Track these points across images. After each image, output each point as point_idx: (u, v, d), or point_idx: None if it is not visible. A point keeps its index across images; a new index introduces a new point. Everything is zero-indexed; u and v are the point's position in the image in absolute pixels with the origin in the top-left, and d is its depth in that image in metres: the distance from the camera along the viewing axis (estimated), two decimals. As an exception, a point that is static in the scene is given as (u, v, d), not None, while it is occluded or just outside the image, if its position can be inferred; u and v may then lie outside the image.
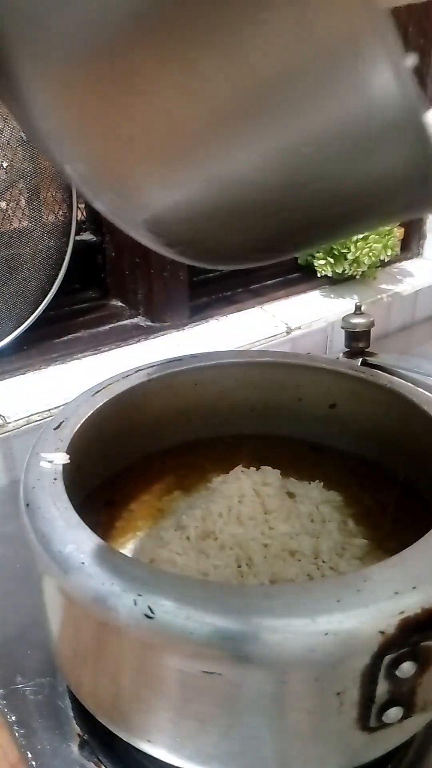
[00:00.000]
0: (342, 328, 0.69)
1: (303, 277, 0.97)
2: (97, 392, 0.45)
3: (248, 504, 0.42)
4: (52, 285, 0.72)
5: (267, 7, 0.15)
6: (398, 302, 0.98)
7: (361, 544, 0.41)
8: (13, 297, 0.69)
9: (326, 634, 0.27)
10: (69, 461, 0.38)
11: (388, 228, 0.90)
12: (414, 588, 0.28)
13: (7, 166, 0.66)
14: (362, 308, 0.68)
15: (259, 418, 0.54)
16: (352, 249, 0.87)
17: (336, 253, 0.89)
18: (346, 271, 0.91)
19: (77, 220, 0.73)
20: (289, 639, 0.27)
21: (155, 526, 0.44)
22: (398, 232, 0.94)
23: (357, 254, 0.88)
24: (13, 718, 0.40)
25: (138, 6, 0.15)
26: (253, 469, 0.46)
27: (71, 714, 0.40)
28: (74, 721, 0.40)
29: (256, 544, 0.39)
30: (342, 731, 0.30)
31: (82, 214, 0.81)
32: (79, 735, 0.39)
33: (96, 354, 0.74)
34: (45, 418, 0.62)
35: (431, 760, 0.38)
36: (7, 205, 0.69)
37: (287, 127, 0.17)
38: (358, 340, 0.68)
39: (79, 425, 0.41)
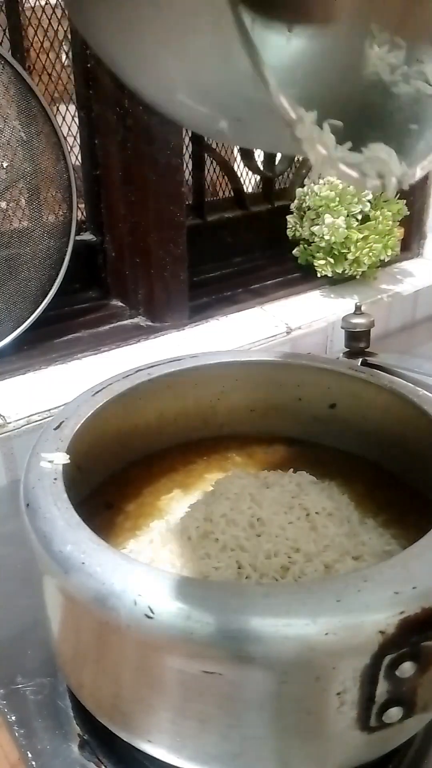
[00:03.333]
0: (342, 328, 0.69)
1: (303, 277, 0.97)
2: (97, 392, 0.45)
3: (248, 504, 0.42)
4: (52, 285, 0.72)
5: None
6: (398, 302, 0.98)
7: (363, 544, 0.41)
8: (13, 297, 0.69)
9: (326, 634, 0.27)
10: (69, 461, 0.38)
11: (388, 228, 0.90)
12: (414, 588, 0.28)
13: (7, 166, 0.66)
14: (362, 308, 0.68)
15: (259, 418, 0.54)
16: (352, 249, 0.87)
17: (336, 253, 0.89)
18: (346, 271, 0.90)
19: (77, 220, 0.73)
20: (289, 639, 0.27)
21: (155, 526, 0.43)
22: (398, 232, 0.94)
23: (357, 254, 0.88)
24: (13, 718, 0.40)
25: None
26: (253, 469, 0.46)
27: (71, 714, 0.40)
28: (74, 721, 0.40)
29: (257, 545, 0.39)
30: (342, 731, 0.30)
31: (82, 214, 0.81)
32: (79, 735, 0.39)
33: (96, 354, 0.74)
34: (45, 418, 0.62)
35: (431, 760, 0.38)
36: (7, 205, 0.69)
37: None
38: (358, 340, 0.68)
39: (79, 425, 0.41)
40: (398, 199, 0.93)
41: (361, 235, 0.87)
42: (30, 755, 0.38)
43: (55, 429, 0.41)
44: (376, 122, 0.29)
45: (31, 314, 0.71)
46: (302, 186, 0.94)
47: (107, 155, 0.76)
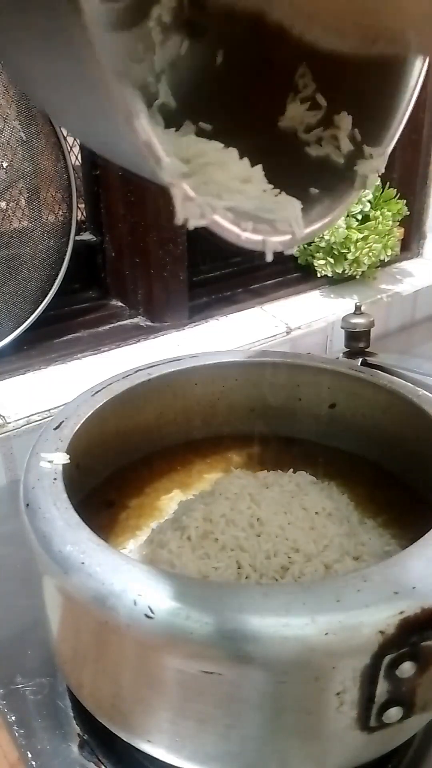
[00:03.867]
0: (342, 328, 0.69)
1: (303, 277, 0.97)
2: (97, 392, 0.45)
3: (248, 504, 0.42)
4: (52, 285, 0.72)
5: None
6: (398, 302, 0.98)
7: (362, 544, 0.41)
8: (13, 297, 0.69)
9: (326, 634, 0.27)
10: (69, 461, 0.38)
11: (388, 228, 0.90)
12: (414, 588, 0.28)
13: (7, 166, 0.66)
14: (362, 308, 0.68)
15: (259, 418, 0.54)
16: (352, 249, 0.87)
17: (336, 253, 0.89)
18: (346, 271, 0.90)
19: (77, 220, 0.73)
20: (289, 639, 0.27)
21: (155, 526, 0.43)
22: (398, 232, 0.94)
23: (357, 254, 0.88)
24: (13, 718, 0.40)
25: None
26: (253, 469, 0.46)
27: (71, 714, 0.40)
28: (74, 721, 0.40)
29: (257, 545, 0.39)
30: (342, 731, 0.30)
31: (82, 214, 0.81)
32: (79, 735, 0.39)
33: (96, 354, 0.74)
34: (45, 418, 0.62)
35: (431, 760, 0.38)
36: (7, 205, 0.69)
37: None
38: (358, 340, 0.68)
39: (79, 425, 0.41)
40: (398, 199, 0.93)
41: (360, 235, 0.87)
42: (30, 755, 0.38)
43: (54, 429, 0.41)
44: (287, 177, 0.29)
45: (31, 314, 0.70)
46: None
47: (107, 155, 0.76)
